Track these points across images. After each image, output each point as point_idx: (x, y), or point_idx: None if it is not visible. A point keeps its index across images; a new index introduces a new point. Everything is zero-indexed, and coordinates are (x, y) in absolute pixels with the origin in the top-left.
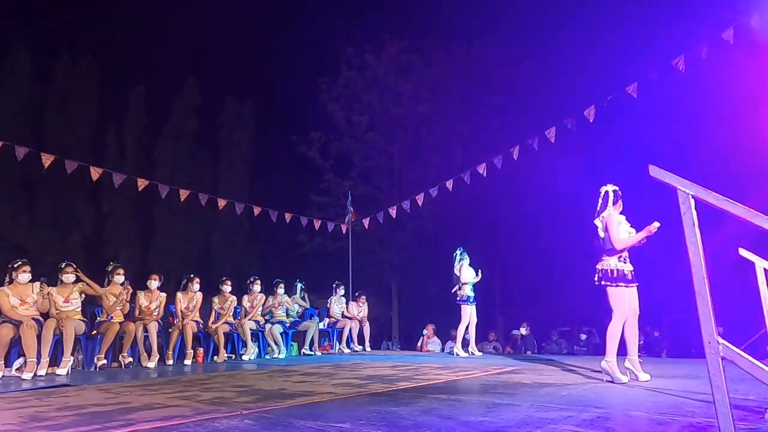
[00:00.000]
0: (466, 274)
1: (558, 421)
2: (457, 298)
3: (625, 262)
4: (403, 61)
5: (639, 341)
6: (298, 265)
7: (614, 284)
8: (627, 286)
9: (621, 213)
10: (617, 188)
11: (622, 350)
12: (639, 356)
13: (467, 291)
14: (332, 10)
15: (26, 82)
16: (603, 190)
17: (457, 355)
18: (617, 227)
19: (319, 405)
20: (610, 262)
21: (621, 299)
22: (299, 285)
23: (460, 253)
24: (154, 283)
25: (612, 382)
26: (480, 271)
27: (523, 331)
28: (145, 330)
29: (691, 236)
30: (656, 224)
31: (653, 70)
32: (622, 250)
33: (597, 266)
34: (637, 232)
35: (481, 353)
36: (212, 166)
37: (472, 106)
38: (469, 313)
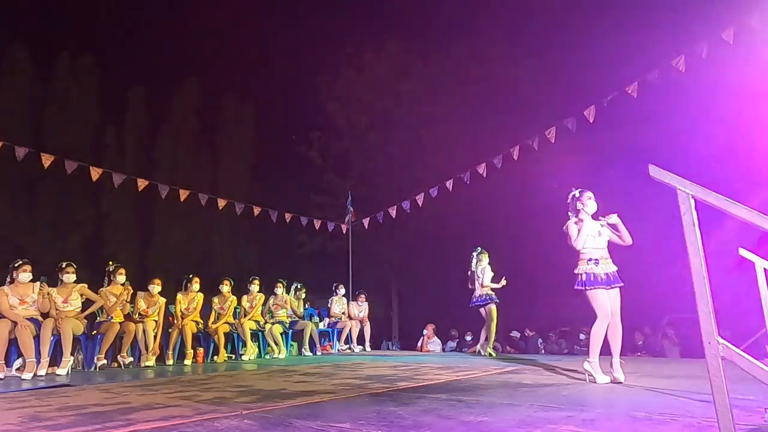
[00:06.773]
0: (489, 276)
1: (558, 421)
2: (475, 299)
3: (596, 265)
4: (403, 61)
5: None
6: (298, 265)
7: (589, 288)
8: (602, 288)
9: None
10: (577, 192)
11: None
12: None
13: (488, 291)
14: (332, 10)
15: (26, 82)
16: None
17: (491, 355)
18: (573, 232)
19: (319, 405)
20: (580, 268)
21: (599, 301)
22: (294, 285)
23: (478, 253)
24: (155, 288)
25: (594, 382)
26: (504, 278)
27: (523, 331)
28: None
29: (691, 236)
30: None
31: (653, 70)
32: (584, 251)
33: (574, 271)
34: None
35: (484, 355)
36: (212, 166)
37: (472, 106)
38: (492, 312)
